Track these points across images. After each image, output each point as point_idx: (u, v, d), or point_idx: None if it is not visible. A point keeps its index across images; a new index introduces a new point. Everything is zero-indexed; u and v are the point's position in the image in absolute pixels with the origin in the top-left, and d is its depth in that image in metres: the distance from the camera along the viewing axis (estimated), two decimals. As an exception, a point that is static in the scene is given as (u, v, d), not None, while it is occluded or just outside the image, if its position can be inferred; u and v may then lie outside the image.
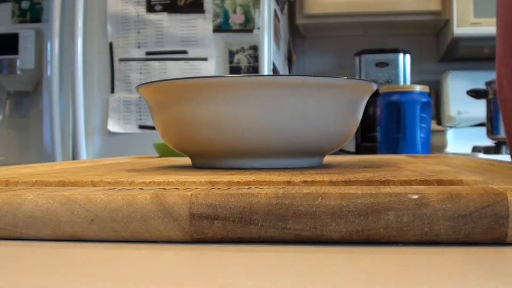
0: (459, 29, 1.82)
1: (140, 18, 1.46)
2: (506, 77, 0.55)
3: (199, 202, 0.23)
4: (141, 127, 1.47)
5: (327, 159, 0.59)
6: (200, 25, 1.44)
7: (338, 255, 0.21)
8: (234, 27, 1.43)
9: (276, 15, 1.58)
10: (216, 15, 1.44)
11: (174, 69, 1.45)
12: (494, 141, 1.65)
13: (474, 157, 0.61)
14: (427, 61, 2.15)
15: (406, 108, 1.35)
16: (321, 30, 2.14)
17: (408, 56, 1.84)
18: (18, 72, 1.47)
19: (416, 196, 0.22)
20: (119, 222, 0.23)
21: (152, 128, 1.44)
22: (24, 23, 1.51)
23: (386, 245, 0.22)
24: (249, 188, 0.25)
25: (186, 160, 0.57)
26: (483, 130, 1.71)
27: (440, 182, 0.26)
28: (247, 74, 0.37)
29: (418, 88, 1.37)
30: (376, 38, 2.13)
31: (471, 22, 1.82)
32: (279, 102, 0.35)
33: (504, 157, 1.54)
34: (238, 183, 0.27)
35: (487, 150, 1.61)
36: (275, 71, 1.53)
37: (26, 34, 1.47)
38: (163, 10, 1.45)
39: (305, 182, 0.27)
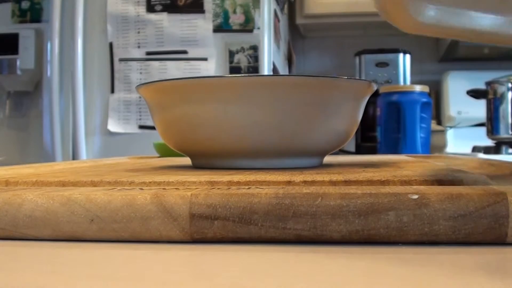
0: (459, 29, 1.82)
1: (140, 18, 1.46)
2: None
3: (199, 202, 0.23)
4: (141, 127, 1.47)
5: (327, 159, 0.59)
6: (200, 25, 1.44)
7: (338, 255, 0.21)
8: (234, 27, 1.43)
9: (276, 15, 1.58)
10: (216, 15, 1.44)
11: (174, 69, 1.45)
12: (494, 141, 1.65)
13: (474, 157, 0.61)
14: (427, 61, 2.15)
15: (406, 108, 1.35)
16: (321, 30, 2.14)
17: (408, 56, 1.84)
18: (18, 72, 1.47)
19: (416, 196, 0.22)
20: (119, 222, 0.23)
21: (152, 128, 1.44)
22: (24, 23, 1.51)
23: (386, 245, 0.22)
24: (249, 188, 0.25)
25: (186, 160, 0.57)
26: (483, 130, 1.71)
27: (440, 182, 0.26)
28: (247, 74, 0.37)
29: (418, 88, 1.37)
30: (376, 38, 2.13)
31: (471, 22, 1.82)
32: (279, 102, 0.35)
33: (504, 157, 1.54)
34: (238, 183, 0.27)
35: (487, 150, 1.61)
36: (275, 71, 1.53)
37: (26, 34, 1.47)
38: (163, 10, 1.45)
39: (305, 182, 0.27)
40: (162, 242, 0.23)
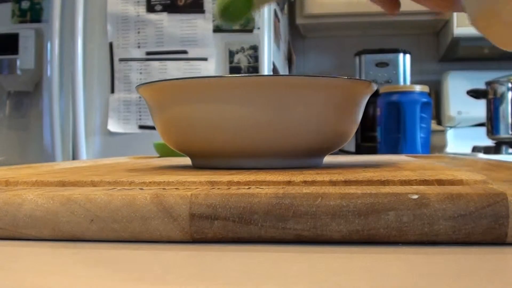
0: (459, 29, 1.82)
1: (140, 18, 1.46)
2: None
3: (199, 202, 0.23)
4: (141, 127, 1.47)
5: (327, 159, 0.59)
6: (200, 25, 1.44)
7: (338, 255, 0.21)
8: (234, 27, 1.43)
9: (276, 15, 1.58)
10: (216, 15, 1.44)
11: (174, 69, 1.45)
12: (494, 141, 1.65)
13: (474, 157, 0.61)
14: (427, 61, 2.15)
15: (406, 108, 1.35)
16: (321, 30, 2.14)
17: (408, 56, 1.84)
18: (18, 72, 1.47)
19: (416, 196, 0.22)
20: (119, 222, 0.23)
21: (152, 128, 1.44)
22: (24, 23, 1.51)
23: (386, 245, 0.22)
24: (249, 188, 0.25)
25: (186, 160, 0.57)
26: (483, 130, 1.71)
27: (440, 182, 0.26)
28: (247, 74, 0.37)
29: (418, 88, 1.37)
30: (376, 38, 2.12)
31: (471, 22, 1.81)
32: (279, 102, 0.35)
33: (504, 157, 1.54)
34: (238, 183, 0.27)
35: (487, 150, 1.61)
36: (275, 71, 1.53)
37: (26, 34, 1.47)
38: (163, 10, 1.45)
39: (305, 182, 0.27)
40: (162, 242, 0.23)
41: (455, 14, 1.83)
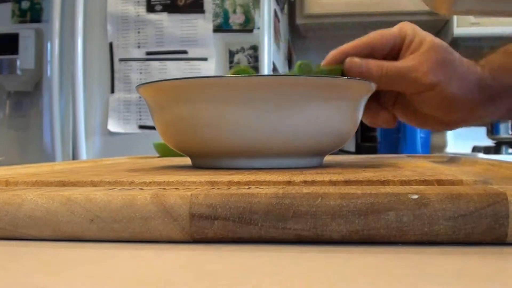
0: (459, 29, 1.82)
1: (140, 18, 1.46)
2: None
3: (199, 202, 0.23)
4: (141, 127, 1.47)
5: (327, 159, 0.59)
6: (200, 25, 1.44)
7: (338, 255, 0.21)
8: (234, 27, 1.43)
9: (276, 15, 1.58)
10: (216, 15, 1.44)
11: (174, 69, 1.45)
12: (494, 141, 1.65)
13: (474, 157, 0.61)
14: (427, 61, 2.15)
15: (406, 108, 1.35)
16: (321, 30, 2.14)
17: (408, 56, 1.83)
18: (18, 72, 1.47)
19: (416, 196, 0.22)
20: (119, 222, 0.23)
21: (152, 128, 1.44)
22: (24, 23, 1.51)
23: (386, 245, 0.22)
24: (249, 188, 0.25)
25: (186, 160, 0.57)
26: (483, 130, 1.71)
27: (440, 182, 0.26)
28: (247, 74, 0.37)
29: (418, 88, 1.37)
30: (376, 38, 2.12)
31: (471, 22, 1.82)
32: (279, 102, 0.35)
33: (504, 157, 1.54)
34: (238, 183, 0.27)
35: (487, 150, 1.61)
36: (275, 71, 1.53)
37: (26, 34, 1.47)
38: (163, 10, 1.45)
39: (305, 182, 0.27)
40: (162, 242, 0.23)
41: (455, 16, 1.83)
